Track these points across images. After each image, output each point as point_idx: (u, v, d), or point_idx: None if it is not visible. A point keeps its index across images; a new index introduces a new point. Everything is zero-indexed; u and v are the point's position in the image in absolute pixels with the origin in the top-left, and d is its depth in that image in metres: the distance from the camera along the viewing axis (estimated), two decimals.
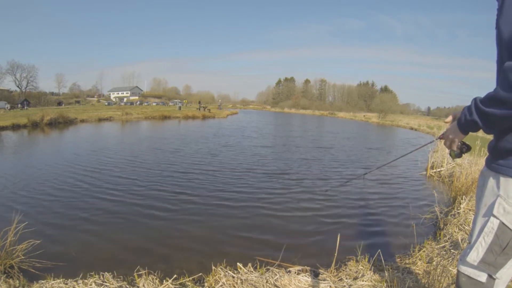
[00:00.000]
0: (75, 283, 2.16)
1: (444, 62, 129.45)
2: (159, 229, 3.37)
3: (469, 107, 1.03)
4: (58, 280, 2.18)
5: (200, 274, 2.37)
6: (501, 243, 0.99)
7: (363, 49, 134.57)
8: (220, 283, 2.17)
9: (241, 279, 2.21)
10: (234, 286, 2.15)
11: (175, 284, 2.20)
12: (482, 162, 5.09)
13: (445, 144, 1.19)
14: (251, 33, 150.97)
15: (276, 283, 2.17)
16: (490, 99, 0.94)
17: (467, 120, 1.03)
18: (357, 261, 2.59)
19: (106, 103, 48.02)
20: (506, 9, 0.94)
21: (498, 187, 1.01)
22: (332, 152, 9.73)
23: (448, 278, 2.11)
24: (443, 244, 2.87)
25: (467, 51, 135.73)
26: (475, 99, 1.01)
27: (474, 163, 5.26)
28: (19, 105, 33.29)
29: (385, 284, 2.14)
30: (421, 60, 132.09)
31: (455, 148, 1.16)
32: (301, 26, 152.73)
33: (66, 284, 2.15)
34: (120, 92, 76.08)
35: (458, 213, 3.65)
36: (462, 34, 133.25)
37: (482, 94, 1.00)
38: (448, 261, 2.45)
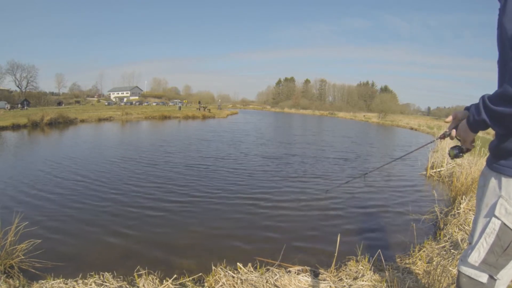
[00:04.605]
0: (75, 283, 2.16)
1: (446, 62, 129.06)
2: (160, 229, 3.37)
3: (477, 106, 0.99)
4: (58, 280, 2.18)
5: (200, 274, 2.37)
6: (502, 244, 0.99)
7: (364, 49, 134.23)
8: (220, 283, 2.17)
9: (241, 279, 2.21)
10: (234, 286, 2.15)
11: (175, 284, 2.19)
12: (482, 162, 5.09)
13: (457, 138, 1.18)
14: (251, 33, 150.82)
15: (276, 283, 2.17)
16: (499, 97, 0.90)
17: (476, 120, 1.00)
18: (357, 261, 2.58)
19: (106, 103, 47.93)
20: (510, 8, 0.93)
21: (500, 188, 1.00)
22: (332, 152, 9.73)
23: (448, 278, 2.11)
24: (443, 244, 2.87)
25: (470, 51, 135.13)
26: (483, 97, 0.97)
27: (474, 163, 5.26)
28: (19, 105, 33.20)
29: (385, 284, 2.14)
30: (423, 60, 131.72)
31: (468, 146, 1.15)
32: (303, 26, 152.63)
33: (66, 284, 2.15)
34: (120, 92, 76.03)
35: (458, 213, 3.65)
36: (466, 34, 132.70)
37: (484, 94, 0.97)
38: (448, 261, 2.44)
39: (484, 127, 0.99)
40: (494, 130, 0.98)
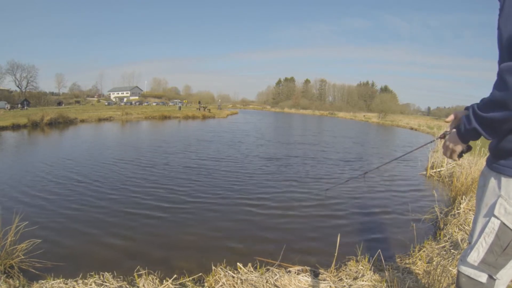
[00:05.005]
0: (75, 283, 2.16)
1: (446, 62, 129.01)
2: (160, 229, 3.37)
3: (467, 116, 1.01)
4: (58, 280, 2.18)
5: (200, 274, 2.37)
6: (502, 243, 0.99)
7: (364, 49, 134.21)
8: (220, 283, 2.17)
9: (241, 279, 2.21)
10: (234, 286, 2.15)
11: (175, 284, 2.20)
12: (482, 162, 5.09)
13: (445, 154, 1.17)
14: (251, 33, 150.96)
15: (276, 283, 2.17)
16: (487, 104, 0.93)
17: (467, 129, 1.01)
18: (357, 261, 2.59)
19: (106, 103, 47.93)
20: (506, 10, 0.94)
21: (499, 188, 1.01)
22: (333, 153, 9.73)
23: (448, 278, 2.11)
24: (443, 244, 2.87)
25: (470, 51, 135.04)
26: (472, 106, 0.99)
27: (474, 163, 5.25)
28: (19, 105, 33.19)
29: (385, 284, 2.14)
30: (423, 60, 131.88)
31: (455, 158, 1.14)
32: (303, 26, 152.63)
33: (66, 284, 2.15)
34: (120, 92, 76.02)
35: (458, 213, 3.65)
36: (466, 34, 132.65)
37: (484, 94, 0.98)
38: (448, 261, 2.45)
39: (476, 136, 1.01)
40: (486, 138, 0.99)
